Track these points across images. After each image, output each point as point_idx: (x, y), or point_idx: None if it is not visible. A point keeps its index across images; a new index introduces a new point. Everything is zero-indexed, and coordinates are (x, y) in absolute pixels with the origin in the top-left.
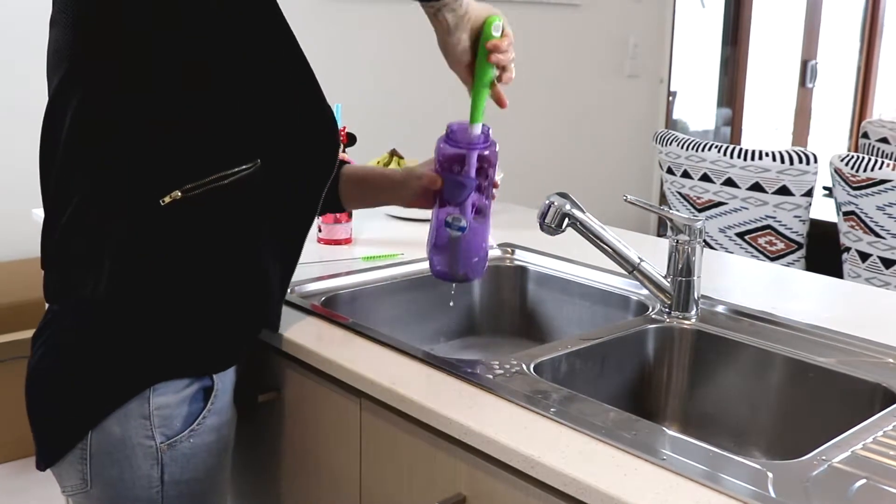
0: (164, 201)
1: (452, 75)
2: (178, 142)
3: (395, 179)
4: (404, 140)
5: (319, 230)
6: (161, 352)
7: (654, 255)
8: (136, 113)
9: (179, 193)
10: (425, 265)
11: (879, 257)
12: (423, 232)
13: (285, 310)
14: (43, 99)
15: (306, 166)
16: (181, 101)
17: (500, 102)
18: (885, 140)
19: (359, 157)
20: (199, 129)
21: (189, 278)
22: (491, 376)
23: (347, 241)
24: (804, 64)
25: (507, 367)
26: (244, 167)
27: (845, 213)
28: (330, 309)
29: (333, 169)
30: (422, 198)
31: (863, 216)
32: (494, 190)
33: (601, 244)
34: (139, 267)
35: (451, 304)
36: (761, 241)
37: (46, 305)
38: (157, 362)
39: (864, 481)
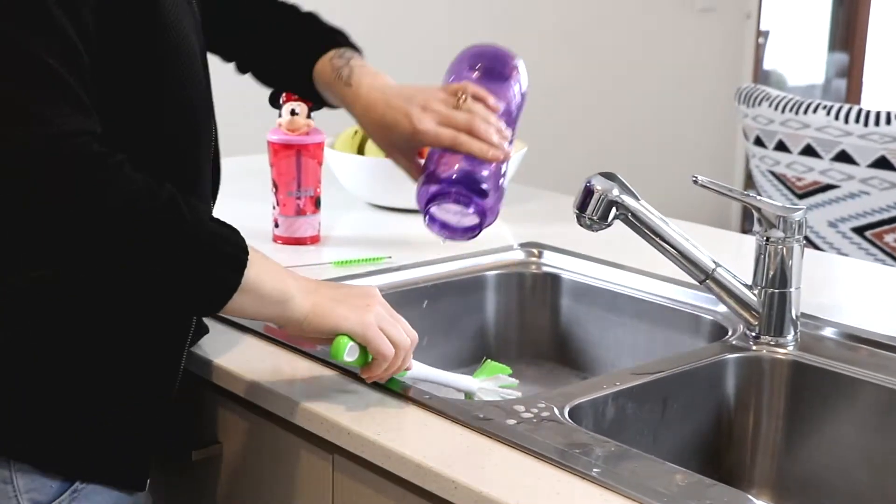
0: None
1: (458, 19)
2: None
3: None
4: None
5: (276, 225)
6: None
7: (735, 258)
8: None
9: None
10: (421, 272)
11: None
12: (417, 227)
13: (228, 335)
14: None
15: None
16: None
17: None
18: None
19: (331, 125)
20: None
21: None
22: (511, 423)
23: (314, 241)
24: None
25: (534, 410)
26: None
27: None
28: None
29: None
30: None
31: None
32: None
33: (662, 244)
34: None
35: (425, 304)
36: (888, 238)
37: None
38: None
39: None
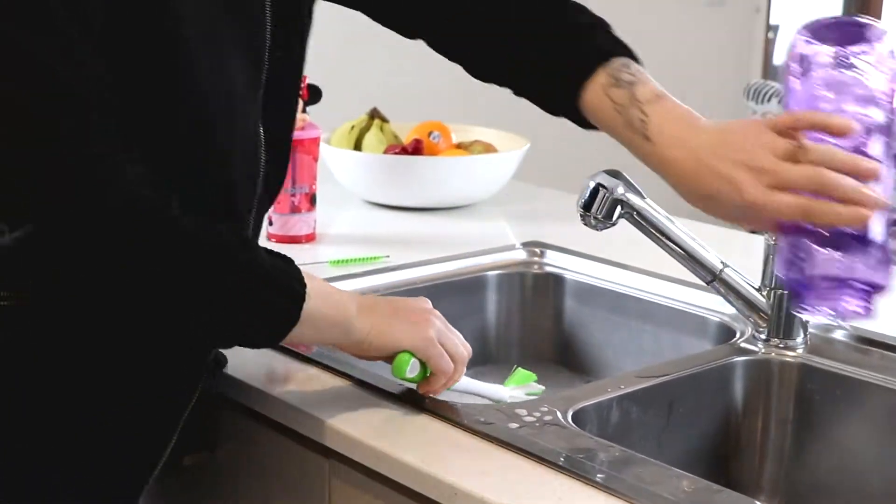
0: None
1: None
2: None
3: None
4: (389, 96)
5: (270, 223)
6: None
7: (744, 258)
8: None
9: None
10: (420, 272)
11: None
12: (416, 225)
13: None
14: None
15: None
16: None
17: None
18: None
19: (327, 120)
20: None
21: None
22: (514, 427)
23: (309, 239)
24: None
25: (537, 414)
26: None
27: None
28: None
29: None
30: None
31: None
32: None
33: (668, 243)
34: None
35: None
36: None
37: None
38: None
39: None
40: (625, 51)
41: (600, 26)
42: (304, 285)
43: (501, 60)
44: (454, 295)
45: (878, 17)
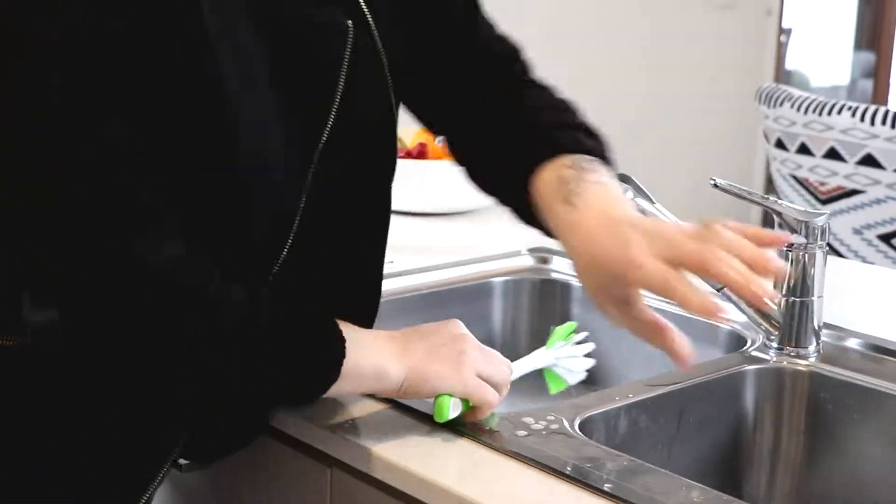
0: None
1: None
2: None
3: (578, 240)
4: None
5: None
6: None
7: None
8: None
9: None
10: (425, 277)
11: None
12: (422, 230)
13: None
14: None
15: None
16: None
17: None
18: None
19: None
20: None
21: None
22: (520, 435)
23: None
24: None
25: (544, 423)
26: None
27: None
28: None
29: None
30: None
31: None
32: None
33: None
34: None
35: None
36: None
37: None
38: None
39: None
40: (590, 139)
41: (571, 126)
42: (344, 344)
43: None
44: (460, 301)
45: (892, 16)
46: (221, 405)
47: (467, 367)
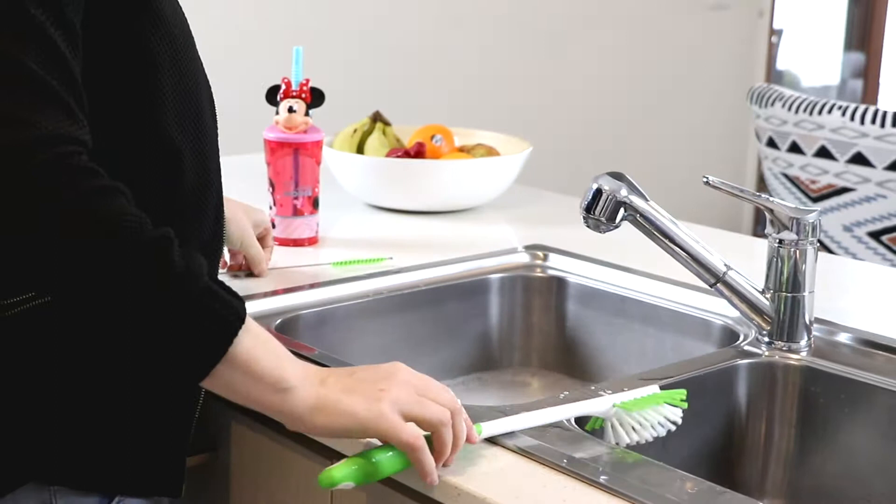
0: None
1: (459, 12)
2: None
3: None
4: (392, 98)
5: (273, 226)
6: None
7: (747, 261)
8: None
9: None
10: (423, 274)
11: None
12: (419, 229)
13: None
14: None
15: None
16: None
17: None
18: None
19: (330, 123)
20: None
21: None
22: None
23: (312, 242)
24: None
25: None
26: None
27: None
28: (288, 336)
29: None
30: None
31: None
32: None
33: (671, 246)
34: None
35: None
36: None
37: None
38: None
39: None
40: None
41: None
42: (242, 321)
43: None
44: (457, 298)
45: (882, 18)
46: (120, 343)
47: (385, 403)
